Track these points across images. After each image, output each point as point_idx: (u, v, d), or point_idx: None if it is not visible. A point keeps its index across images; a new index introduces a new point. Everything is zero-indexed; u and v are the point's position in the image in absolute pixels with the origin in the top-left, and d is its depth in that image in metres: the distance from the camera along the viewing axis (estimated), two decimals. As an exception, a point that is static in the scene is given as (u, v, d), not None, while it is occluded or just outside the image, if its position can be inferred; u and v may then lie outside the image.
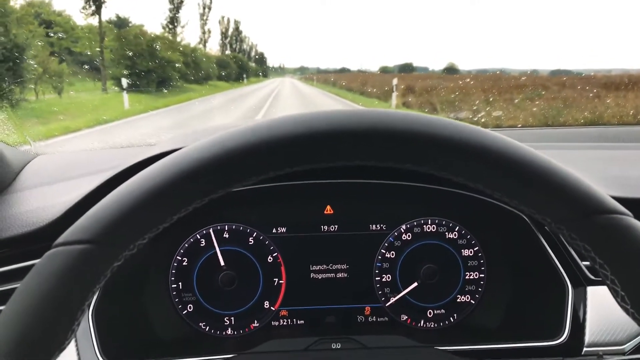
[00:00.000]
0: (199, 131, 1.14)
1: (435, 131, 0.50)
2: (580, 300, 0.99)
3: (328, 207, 1.11)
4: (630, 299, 0.49)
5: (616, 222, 0.48)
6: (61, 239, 0.48)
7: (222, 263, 1.08)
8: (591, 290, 0.99)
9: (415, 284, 1.12)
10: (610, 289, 0.51)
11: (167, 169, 0.49)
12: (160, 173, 0.49)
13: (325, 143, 0.50)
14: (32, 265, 0.84)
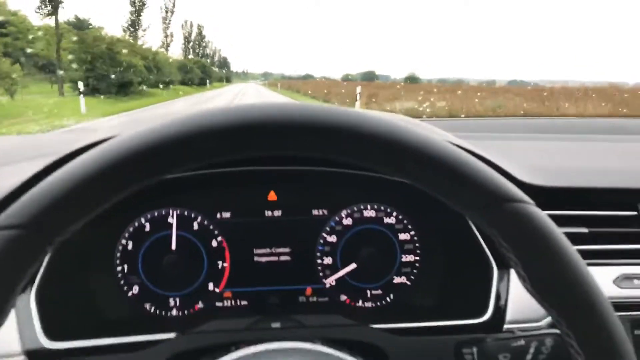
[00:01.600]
0: (142, 118, 1.16)
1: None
2: (504, 281, 1.07)
3: (272, 192, 1.15)
4: (530, 280, 0.54)
5: (518, 209, 0.53)
6: None
7: (174, 247, 1.10)
8: (513, 272, 1.07)
9: (354, 265, 1.17)
10: (516, 272, 0.56)
11: (99, 155, 0.50)
12: (91, 159, 0.50)
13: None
14: None
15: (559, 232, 0.54)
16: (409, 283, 1.19)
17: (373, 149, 0.54)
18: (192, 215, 1.12)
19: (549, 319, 1.04)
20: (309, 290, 1.18)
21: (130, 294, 1.11)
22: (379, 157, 0.55)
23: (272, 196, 1.15)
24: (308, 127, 0.53)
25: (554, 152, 1.43)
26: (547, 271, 0.53)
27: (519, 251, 0.54)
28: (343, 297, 1.18)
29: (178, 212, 1.12)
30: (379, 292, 1.19)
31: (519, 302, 1.05)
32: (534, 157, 1.33)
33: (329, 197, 1.18)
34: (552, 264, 0.53)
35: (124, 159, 0.51)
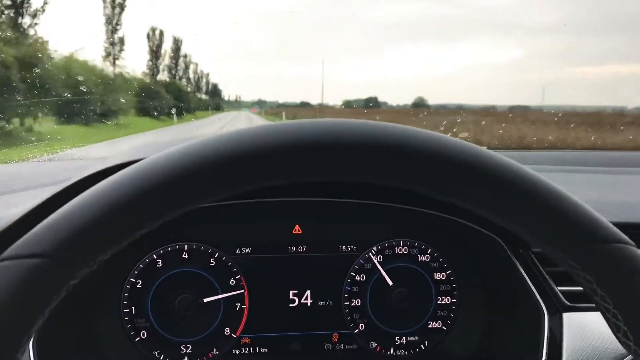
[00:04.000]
0: (153, 144, 1.07)
1: (440, 152, 0.47)
2: (557, 326, 0.96)
3: (297, 226, 1.05)
4: (633, 335, 0.46)
5: (619, 252, 0.46)
6: (9, 251, 0.42)
7: (187, 286, 1.00)
8: (567, 317, 0.97)
9: (386, 309, 1.06)
10: (610, 322, 0.48)
11: (135, 177, 0.44)
12: (127, 182, 0.44)
13: (300, 157, 0.46)
14: None
15: None
16: (445, 328, 1.09)
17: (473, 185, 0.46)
18: (209, 250, 1.02)
19: None
20: (335, 337, 1.06)
21: (138, 339, 1.00)
22: (474, 193, 0.47)
23: (296, 230, 1.05)
24: (404, 155, 0.46)
25: (607, 185, 1.34)
26: None
27: (620, 300, 0.46)
28: (373, 344, 1.07)
29: (193, 247, 1.01)
30: (413, 338, 1.08)
31: (577, 350, 0.94)
32: (580, 191, 1.23)
33: (358, 232, 1.08)
34: None
35: (170, 181, 0.44)
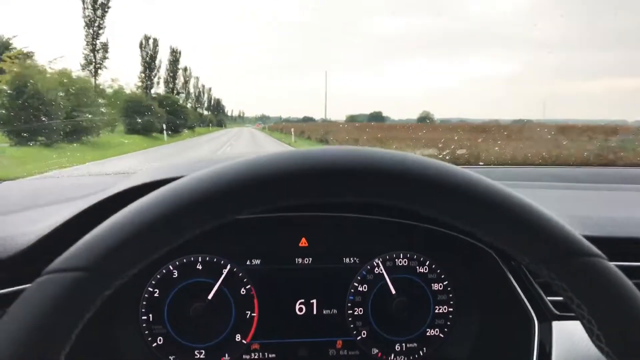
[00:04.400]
0: (180, 164, 1.14)
1: (420, 171, 0.53)
2: (546, 334, 1.02)
3: (303, 239, 1.12)
4: (606, 338, 0.51)
5: (592, 264, 0.51)
6: (53, 265, 0.48)
7: (201, 295, 1.06)
8: (556, 325, 1.03)
9: (387, 317, 1.13)
10: (586, 328, 0.54)
11: (165, 198, 0.50)
12: (159, 202, 0.50)
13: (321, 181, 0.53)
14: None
15: (637, 290, 0.52)
16: (442, 336, 1.15)
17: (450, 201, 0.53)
18: (222, 262, 1.09)
19: None
20: (339, 343, 1.13)
21: (154, 345, 1.06)
22: (452, 208, 0.53)
23: (303, 242, 1.12)
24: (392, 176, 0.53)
25: (586, 201, 1.40)
26: (628, 330, 0.50)
27: (594, 307, 0.51)
28: (374, 351, 1.14)
29: (207, 259, 1.08)
30: (412, 345, 1.14)
31: (565, 358, 1.00)
32: (570, 207, 1.30)
33: (361, 245, 1.15)
34: (634, 323, 0.50)
35: (203, 197, 0.50)
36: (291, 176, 0.52)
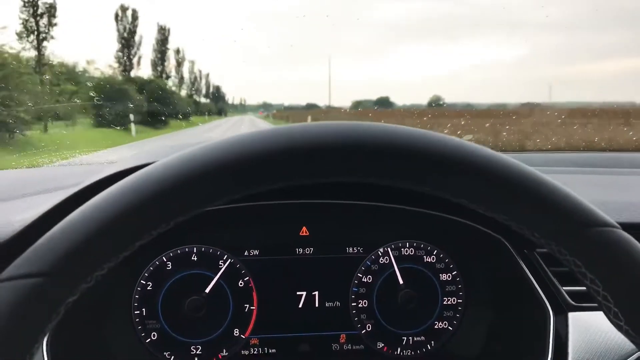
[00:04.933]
0: (161, 150, 1.08)
1: (420, 144, 0.48)
2: (562, 326, 0.97)
3: (304, 228, 1.06)
4: (624, 315, 0.47)
5: (607, 235, 0.47)
6: (5, 273, 0.42)
7: (196, 288, 1.01)
8: (572, 317, 0.97)
9: (393, 309, 1.07)
10: (602, 306, 0.49)
11: (127, 191, 0.45)
12: (119, 196, 0.44)
13: (316, 158, 0.47)
14: None
15: None
16: (451, 329, 1.09)
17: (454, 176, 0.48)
18: (218, 253, 1.03)
19: None
20: (342, 337, 1.07)
21: (148, 340, 1.01)
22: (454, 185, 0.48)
23: (304, 232, 1.06)
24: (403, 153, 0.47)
25: (602, 186, 1.34)
26: None
27: (609, 282, 0.47)
28: (380, 345, 1.08)
29: (202, 249, 1.03)
30: (420, 338, 1.09)
31: (583, 350, 0.94)
32: (584, 192, 1.23)
33: (365, 234, 1.09)
34: None
35: (162, 193, 0.44)
36: (300, 152, 0.47)
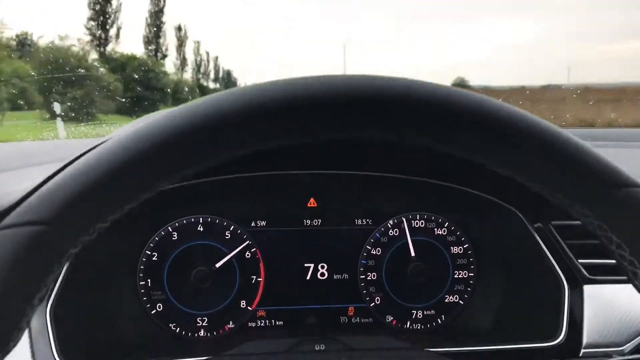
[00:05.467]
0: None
1: (437, 99, 0.44)
2: (577, 300, 0.94)
3: (312, 199, 1.04)
4: None
5: (634, 195, 0.43)
6: (6, 220, 0.40)
7: (203, 258, 0.98)
8: (588, 290, 0.95)
9: (402, 282, 1.05)
10: (628, 272, 0.45)
11: (131, 142, 0.42)
12: (123, 147, 0.42)
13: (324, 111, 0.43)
14: None
15: None
16: (462, 302, 1.07)
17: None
18: (224, 223, 1.01)
19: (634, 342, 0.91)
20: (351, 310, 1.05)
21: (153, 312, 1.00)
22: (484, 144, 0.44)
23: (312, 203, 1.04)
24: (400, 104, 0.43)
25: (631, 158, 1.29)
26: None
27: (637, 245, 0.43)
28: (389, 318, 1.06)
29: (209, 220, 1.01)
30: (429, 312, 1.07)
31: (598, 324, 0.92)
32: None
33: (374, 206, 1.06)
34: None
35: (168, 144, 0.41)
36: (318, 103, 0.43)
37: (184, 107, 0.44)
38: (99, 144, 0.45)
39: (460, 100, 0.44)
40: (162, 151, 0.42)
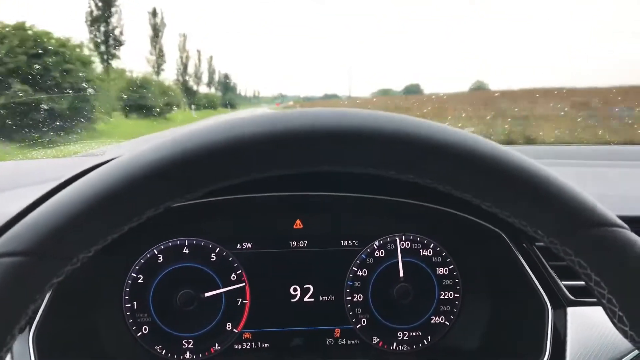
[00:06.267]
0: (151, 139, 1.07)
1: (423, 135, 0.45)
2: (561, 321, 0.95)
3: (298, 221, 1.05)
4: (630, 320, 0.45)
5: (613, 235, 0.44)
6: None
7: (189, 281, 0.99)
8: (571, 311, 0.95)
9: (388, 303, 1.05)
10: (606, 309, 0.47)
11: (117, 172, 0.43)
12: (108, 176, 0.43)
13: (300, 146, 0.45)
14: None
15: None
16: (448, 323, 1.07)
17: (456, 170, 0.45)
18: (210, 245, 1.02)
19: None
20: (337, 332, 1.06)
21: (139, 334, 0.99)
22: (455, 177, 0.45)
23: (298, 224, 1.05)
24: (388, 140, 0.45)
25: (602, 179, 1.31)
26: None
27: (615, 285, 0.45)
28: (375, 339, 1.06)
29: (194, 242, 1.01)
30: (416, 333, 1.07)
31: (581, 345, 0.92)
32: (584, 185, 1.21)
33: (360, 227, 1.07)
34: None
35: (148, 177, 0.43)
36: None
37: (168, 141, 0.45)
38: (83, 172, 0.46)
39: (427, 133, 0.45)
40: (145, 182, 0.43)
